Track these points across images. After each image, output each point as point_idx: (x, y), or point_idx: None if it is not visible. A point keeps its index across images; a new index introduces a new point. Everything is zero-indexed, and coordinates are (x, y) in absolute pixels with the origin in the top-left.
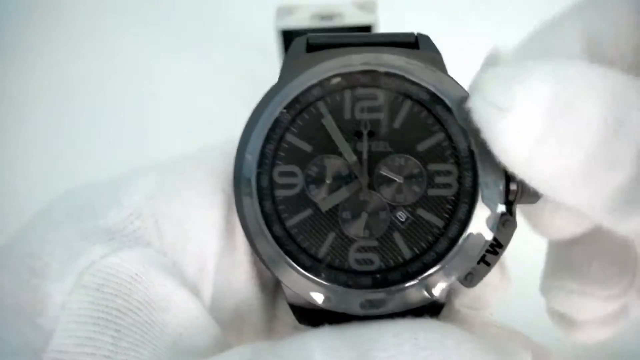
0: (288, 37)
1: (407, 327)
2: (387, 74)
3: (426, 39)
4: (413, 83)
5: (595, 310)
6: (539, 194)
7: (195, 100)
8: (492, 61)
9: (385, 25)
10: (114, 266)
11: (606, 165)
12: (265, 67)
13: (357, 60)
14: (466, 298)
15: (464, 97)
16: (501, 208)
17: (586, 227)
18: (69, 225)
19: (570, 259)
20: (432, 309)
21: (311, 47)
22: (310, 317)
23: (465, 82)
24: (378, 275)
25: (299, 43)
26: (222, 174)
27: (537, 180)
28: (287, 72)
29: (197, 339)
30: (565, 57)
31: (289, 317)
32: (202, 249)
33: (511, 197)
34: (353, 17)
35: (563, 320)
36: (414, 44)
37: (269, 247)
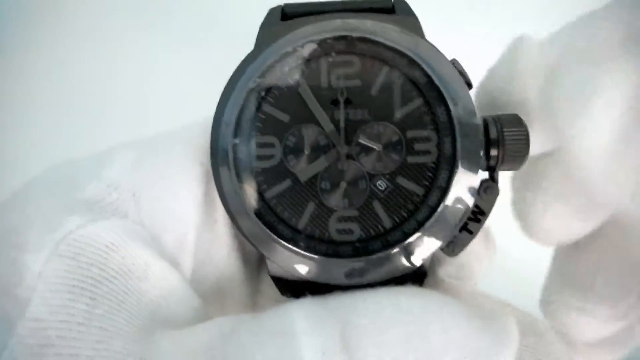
0: None
1: (388, 293)
2: (363, 40)
3: (403, 3)
4: (389, 48)
5: (596, 330)
6: (521, 160)
7: (195, 101)
8: (519, 45)
9: None
10: (90, 235)
11: None
12: None
13: (331, 26)
14: (450, 267)
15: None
16: (482, 174)
17: (578, 233)
18: (49, 199)
19: (573, 273)
20: (416, 278)
21: (286, 16)
22: (293, 288)
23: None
24: (358, 245)
25: (274, 12)
26: (201, 148)
27: None
28: (262, 41)
29: (177, 310)
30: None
31: (273, 290)
32: (181, 222)
33: (492, 163)
34: None
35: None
36: (391, 9)
37: (248, 219)
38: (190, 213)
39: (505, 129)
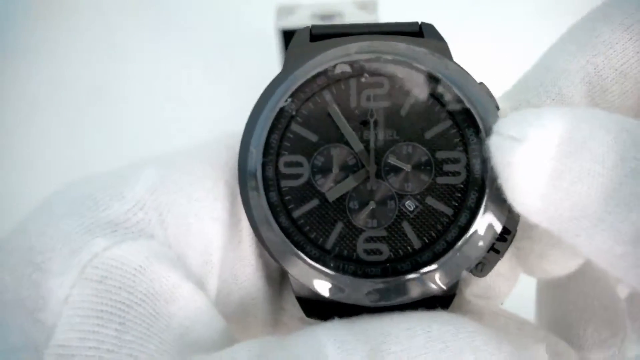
0: (288, 37)
1: (419, 319)
2: (394, 61)
3: (430, 27)
4: (419, 70)
5: None
6: None
7: (196, 101)
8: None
9: None
10: (117, 258)
11: (625, 207)
12: (265, 68)
13: (362, 48)
14: (477, 288)
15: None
16: None
17: (572, 269)
18: (71, 218)
19: (564, 318)
20: (443, 300)
21: (315, 37)
22: (319, 309)
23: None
24: (387, 265)
25: (303, 33)
26: (225, 166)
27: (552, 220)
28: (291, 62)
29: (203, 332)
30: (565, 85)
31: (295, 309)
32: (206, 242)
33: None
34: (353, 17)
35: None
36: (419, 33)
37: (276, 238)
38: (216, 233)
39: None
